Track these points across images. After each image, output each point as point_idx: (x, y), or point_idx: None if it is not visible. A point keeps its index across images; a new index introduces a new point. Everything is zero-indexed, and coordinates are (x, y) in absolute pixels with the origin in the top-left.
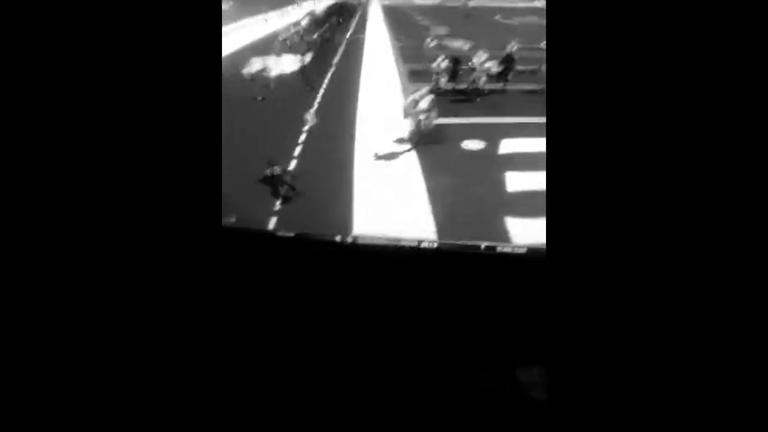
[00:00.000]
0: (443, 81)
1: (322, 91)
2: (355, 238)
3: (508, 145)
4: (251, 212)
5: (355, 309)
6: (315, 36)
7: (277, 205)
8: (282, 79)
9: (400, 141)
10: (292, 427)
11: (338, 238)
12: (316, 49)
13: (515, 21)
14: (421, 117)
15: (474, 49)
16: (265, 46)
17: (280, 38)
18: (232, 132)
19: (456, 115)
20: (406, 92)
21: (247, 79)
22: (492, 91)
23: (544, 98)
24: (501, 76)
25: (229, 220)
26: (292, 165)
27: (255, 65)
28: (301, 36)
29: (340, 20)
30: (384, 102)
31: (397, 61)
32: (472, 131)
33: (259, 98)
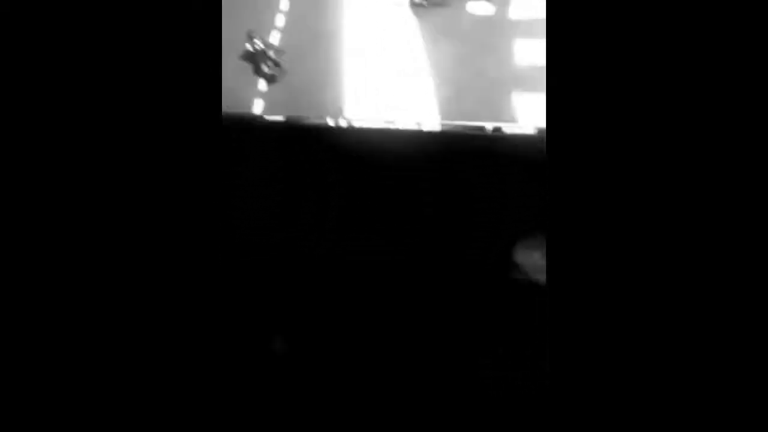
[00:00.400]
0: None
1: None
2: (349, 121)
3: (519, 8)
4: (236, 95)
5: (350, 201)
6: None
7: (263, 84)
8: None
9: (399, 4)
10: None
11: (331, 122)
12: None
13: None
14: None
15: None
16: None
17: None
18: None
19: None
20: None
21: None
22: None
23: None
24: None
25: None
26: (276, 38)
27: None
28: None
29: None
30: None
31: None
32: None
33: None
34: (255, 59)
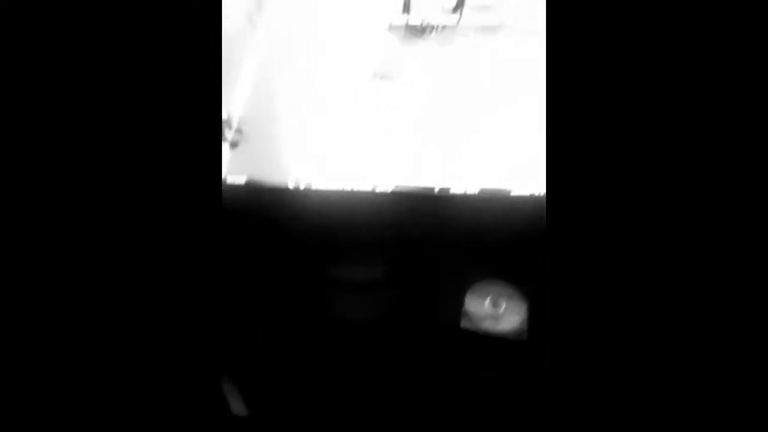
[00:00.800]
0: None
1: (269, 25)
2: (308, 184)
3: (459, 83)
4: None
5: (311, 261)
6: None
7: (225, 149)
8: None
9: (355, 83)
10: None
11: (290, 185)
12: None
13: None
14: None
15: None
16: None
17: None
18: None
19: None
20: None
21: None
22: (445, 27)
23: (498, 30)
24: (455, 9)
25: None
26: (240, 107)
27: None
28: None
29: None
30: (341, 40)
31: None
32: (424, 69)
33: None
34: None
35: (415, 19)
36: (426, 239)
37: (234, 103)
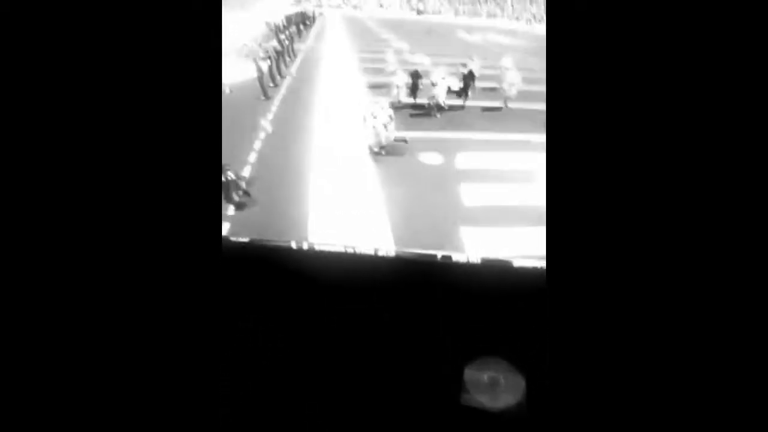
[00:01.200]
0: (403, 94)
1: (279, 99)
2: (311, 245)
3: (465, 159)
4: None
5: (312, 316)
6: (273, 43)
7: (231, 210)
8: (237, 85)
9: (358, 152)
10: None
11: (293, 245)
12: (273, 57)
13: (477, 38)
14: (380, 129)
15: (435, 65)
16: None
17: (237, 45)
18: None
19: (414, 129)
20: (365, 105)
21: None
22: (452, 107)
23: (502, 114)
24: (461, 92)
25: None
26: (247, 171)
27: None
28: (259, 44)
29: (300, 29)
30: (342, 113)
31: (356, 73)
32: (431, 145)
33: (227, 91)
34: (227, 188)
35: (422, 98)
36: (426, 305)
37: (242, 167)
